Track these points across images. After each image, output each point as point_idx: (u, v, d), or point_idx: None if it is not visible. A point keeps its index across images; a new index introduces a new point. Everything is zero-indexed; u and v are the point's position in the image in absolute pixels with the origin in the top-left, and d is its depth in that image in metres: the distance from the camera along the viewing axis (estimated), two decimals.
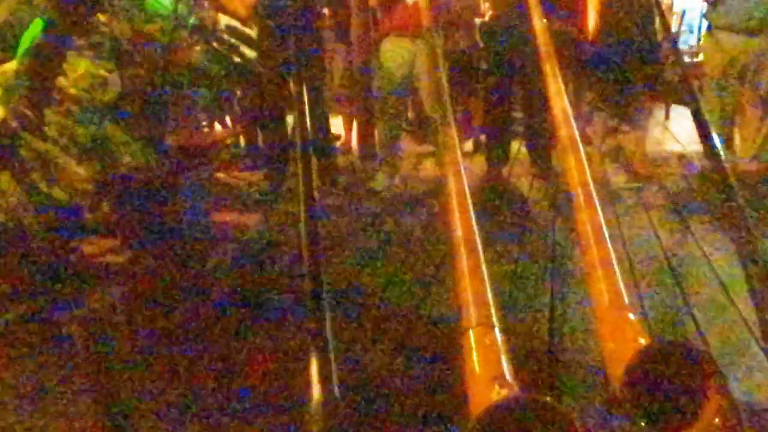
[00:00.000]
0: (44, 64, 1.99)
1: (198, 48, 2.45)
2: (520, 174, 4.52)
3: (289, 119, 4.50)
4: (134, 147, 2.05)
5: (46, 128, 1.96)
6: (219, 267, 2.92)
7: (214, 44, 2.43)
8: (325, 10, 4.78)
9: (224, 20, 2.59)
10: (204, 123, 4.49)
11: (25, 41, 2.03)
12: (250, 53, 2.70)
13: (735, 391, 0.74)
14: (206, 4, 2.55)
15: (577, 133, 1.59)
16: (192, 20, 2.45)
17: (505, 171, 4.51)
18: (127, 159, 2.13)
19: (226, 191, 4.11)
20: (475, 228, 1.12)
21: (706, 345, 2.19)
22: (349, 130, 5.40)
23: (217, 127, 4.83)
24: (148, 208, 2.45)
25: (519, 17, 3.63)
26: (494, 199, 3.97)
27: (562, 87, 1.89)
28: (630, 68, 4.12)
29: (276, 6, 3.84)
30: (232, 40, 2.49)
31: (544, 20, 2.54)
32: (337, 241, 3.32)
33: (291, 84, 3.88)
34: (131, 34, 2.17)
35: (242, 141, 5.23)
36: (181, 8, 2.41)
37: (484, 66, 4.42)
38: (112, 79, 2.09)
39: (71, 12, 2.06)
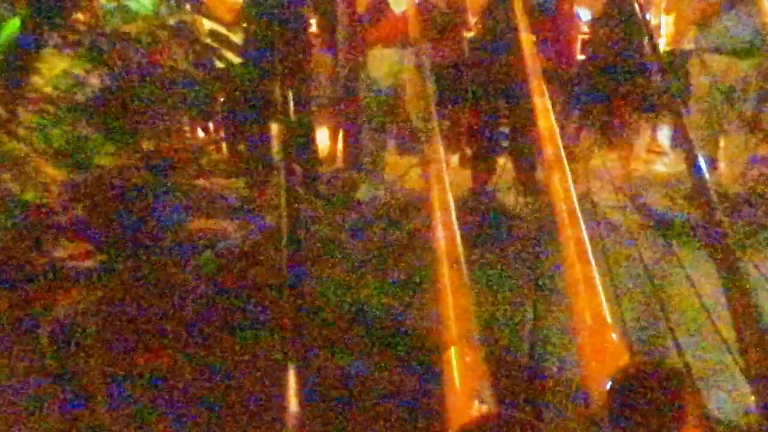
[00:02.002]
0: (18, 62, 1.98)
1: (179, 50, 2.45)
2: (505, 188, 4.54)
3: (273, 127, 4.52)
4: (110, 148, 2.04)
5: (18, 128, 1.94)
6: (195, 275, 2.90)
7: (196, 47, 2.43)
8: (312, 18, 4.79)
9: (207, 24, 2.59)
10: (185, 127, 4.48)
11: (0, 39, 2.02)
12: (233, 58, 2.70)
13: (713, 411, 0.75)
14: (189, 6, 2.54)
15: (562, 150, 1.62)
16: (172, 21, 2.44)
17: (490, 185, 4.53)
18: (102, 161, 2.12)
19: (205, 198, 4.09)
20: (459, 242, 1.13)
21: (686, 365, 2.21)
22: (334, 139, 5.41)
23: (199, 132, 4.83)
24: (123, 211, 2.43)
25: (506, 32, 3.70)
26: (478, 214, 3.99)
27: (549, 104, 1.92)
28: (617, 87, 4.18)
29: (262, 12, 3.86)
30: (215, 44, 2.49)
31: (532, 36, 2.58)
32: (319, 251, 3.32)
33: (275, 91, 3.90)
34: (110, 33, 2.16)
35: (224, 147, 5.22)
36: (163, 9, 2.40)
37: (471, 80, 4.45)
38: (89, 79, 2.08)
39: (48, 9, 2.05)
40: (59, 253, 2.48)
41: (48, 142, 2.00)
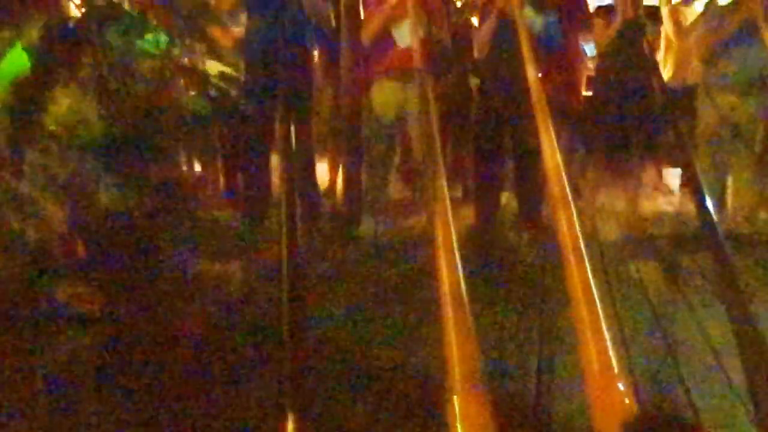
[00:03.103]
0: (27, 101, 2.00)
1: (187, 88, 2.48)
2: (509, 225, 4.54)
3: (273, 159, 4.54)
4: (114, 186, 2.06)
5: (23, 166, 1.96)
6: (196, 321, 2.90)
7: (205, 87, 2.47)
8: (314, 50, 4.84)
9: (214, 64, 2.65)
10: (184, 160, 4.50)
11: (5, 74, 2.04)
12: (238, 95, 2.75)
13: None
14: (198, 47, 2.59)
15: (568, 189, 1.62)
16: (182, 61, 2.49)
17: (494, 222, 4.53)
18: (105, 200, 2.13)
19: (206, 234, 4.09)
20: (463, 284, 1.13)
21: (696, 413, 2.19)
22: (334, 172, 5.43)
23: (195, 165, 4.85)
24: (126, 252, 2.44)
25: (512, 66, 3.73)
26: (482, 251, 3.98)
27: (555, 142, 1.93)
28: (623, 124, 4.21)
29: (264, 44, 3.90)
30: (221, 83, 2.53)
31: (538, 71, 2.61)
32: (319, 290, 3.31)
33: (277, 124, 3.93)
34: (120, 71, 2.19)
35: (222, 180, 5.25)
36: (175, 50, 2.45)
37: (476, 113, 4.49)
38: (95, 117, 2.11)
39: (59, 49, 2.09)
40: (60, 295, 2.48)
41: (52, 179, 2.02)
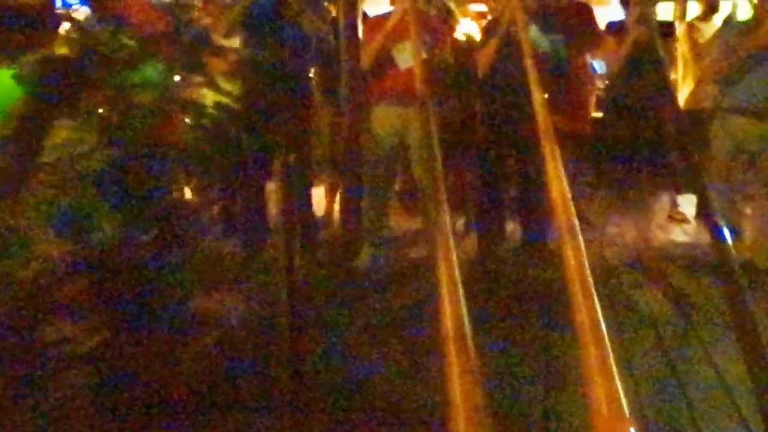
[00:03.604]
0: (24, 134, 2.03)
1: (187, 122, 2.52)
2: (514, 256, 4.55)
3: (270, 186, 4.57)
4: (115, 219, 2.08)
5: (22, 202, 1.98)
6: (197, 357, 2.91)
7: (203, 120, 2.51)
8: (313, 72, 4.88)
9: (212, 96, 2.69)
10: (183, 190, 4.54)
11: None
12: (231, 123, 2.78)
13: None
14: (195, 78, 2.63)
15: (575, 219, 1.63)
16: (181, 94, 2.52)
17: (498, 252, 4.54)
18: (100, 235, 2.14)
19: (206, 265, 4.11)
20: (466, 320, 1.14)
21: None
22: (331, 200, 5.45)
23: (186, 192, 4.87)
24: (126, 287, 2.45)
25: (517, 88, 3.76)
26: (486, 284, 3.99)
27: (561, 169, 1.94)
28: (635, 148, 4.21)
29: (261, 67, 3.94)
30: (220, 115, 2.57)
31: (543, 93, 2.63)
32: (318, 323, 3.31)
33: (274, 150, 3.96)
34: (119, 103, 2.22)
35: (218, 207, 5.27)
36: (172, 82, 2.48)
37: (479, 138, 4.51)
38: (96, 150, 2.14)
39: (57, 83, 2.12)
40: (59, 332, 2.49)
41: (51, 214, 2.04)
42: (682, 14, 6.06)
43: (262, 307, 3.58)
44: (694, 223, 5.59)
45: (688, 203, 5.80)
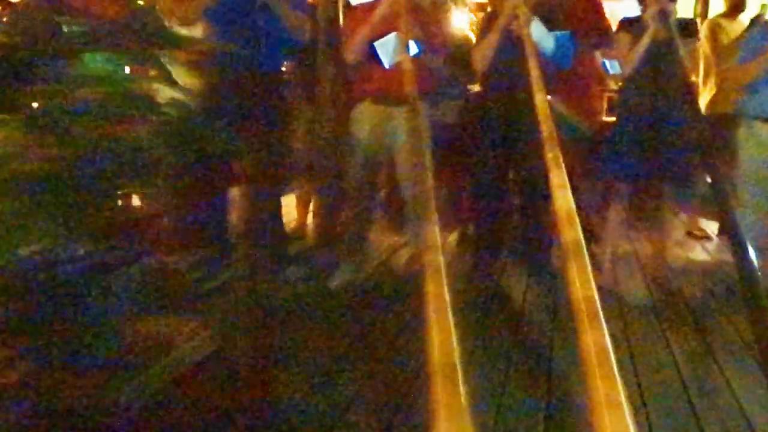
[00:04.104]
0: None
1: (137, 121, 2.52)
2: (514, 277, 4.57)
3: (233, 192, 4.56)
4: (48, 229, 2.06)
5: None
6: (138, 395, 2.89)
7: (156, 117, 2.51)
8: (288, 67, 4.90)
9: (169, 92, 2.68)
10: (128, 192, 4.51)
11: None
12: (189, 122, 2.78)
13: None
14: (152, 72, 2.63)
15: (581, 235, 1.65)
16: (132, 88, 2.52)
17: (496, 270, 4.57)
18: (30, 249, 2.13)
19: (155, 284, 4.09)
20: (456, 351, 1.15)
21: None
22: (304, 209, 5.45)
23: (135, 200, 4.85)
24: (57, 311, 2.43)
25: (517, 87, 3.80)
26: (481, 309, 4.00)
27: (566, 178, 1.96)
28: (651, 156, 4.23)
29: (225, 57, 3.95)
30: (177, 113, 2.57)
31: (547, 96, 2.67)
32: (286, 352, 3.31)
33: (240, 150, 3.96)
34: (60, 99, 2.22)
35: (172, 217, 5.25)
36: (120, 75, 2.48)
37: (474, 143, 4.53)
38: (31, 150, 2.13)
39: None
40: None
41: None
42: (704, 11, 6.14)
43: (221, 333, 3.57)
44: (716, 240, 5.65)
45: (709, 219, 5.87)
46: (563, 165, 1.91)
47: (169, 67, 2.51)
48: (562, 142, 2.21)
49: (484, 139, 4.40)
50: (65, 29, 2.39)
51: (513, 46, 3.85)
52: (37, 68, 2.26)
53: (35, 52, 2.24)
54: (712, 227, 5.87)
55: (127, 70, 2.67)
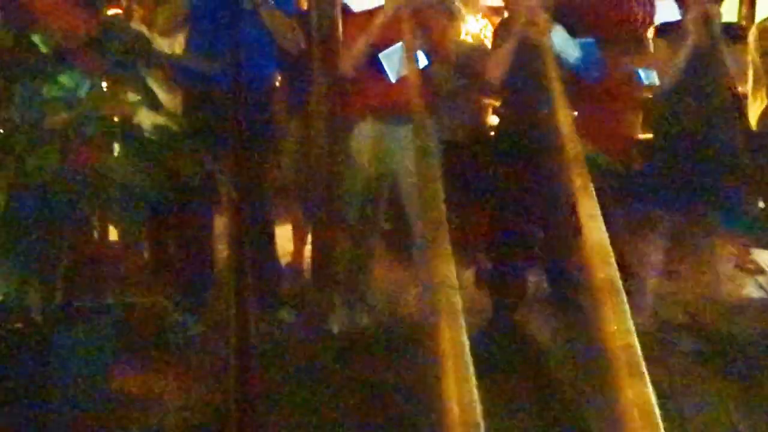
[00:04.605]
0: None
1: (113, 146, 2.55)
2: (539, 318, 4.57)
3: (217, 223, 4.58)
4: (8, 274, 2.09)
5: None
6: None
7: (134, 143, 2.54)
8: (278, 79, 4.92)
9: (149, 116, 2.71)
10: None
11: None
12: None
13: None
14: (129, 94, 2.66)
15: (616, 272, 1.66)
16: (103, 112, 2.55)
17: (517, 312, 4.57)
18: None
19: (127, 328, 4.09)
20: (479, 409, 1.15)
21: None
22: (300, 242, 5.46)
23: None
24: (18, 363, 2.45)
25: (539, 102, 3.81)
26: (502, 353, 3.99)
27: (597, 207, 1.97)
28: (696, 181, 4.23)
29: (208, 70, 3.97)
30: (156, 138, 2.60)
31: (571, 113, 2.68)
32: (281, 406, 3.31)
33: (221, 175, 3.98)
34: (27, 122, 2.24)
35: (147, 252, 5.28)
36: (86, 96, 2.50)
37: (492, 167, 4.55)
38: None
39: None
40: None
41: None
42: (750, 14, 6.17)
43: (205, 384, 3.57)
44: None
45: (763, 250, 5.86)
46: (592, 191, 1.92)
47: (148, 86, 2.54)
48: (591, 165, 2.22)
49: (501, 161, 4.41)
50: (41, 48, 2.42)
51: (532, 55, 3.86)
52: (4, 88, 2.29)
53: (4, 75, 2.27)
54: (766, 259, 5.86)
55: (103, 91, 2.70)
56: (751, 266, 5.85)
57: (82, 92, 2.48)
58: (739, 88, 4.98)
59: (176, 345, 4.04)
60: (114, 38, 2.66)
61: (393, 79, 3.96)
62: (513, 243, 4.47)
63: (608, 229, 1.84)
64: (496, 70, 4.29)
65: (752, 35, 5.65)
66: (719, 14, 4.19)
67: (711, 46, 4.00)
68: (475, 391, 1.24)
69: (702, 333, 4.39)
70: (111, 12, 4.05)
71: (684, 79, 4.13)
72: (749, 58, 5.51)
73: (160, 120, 2.64)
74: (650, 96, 5.45)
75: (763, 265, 5.84)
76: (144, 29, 4.17)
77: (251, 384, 2.73)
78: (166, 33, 4.28)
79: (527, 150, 4.23)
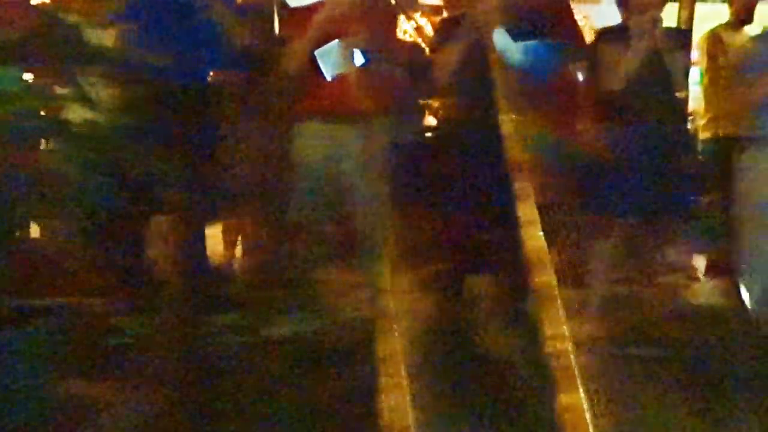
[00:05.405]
0: None
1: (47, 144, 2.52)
2: (484, 323, 4.60)
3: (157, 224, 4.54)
4: None
5: None
6: None
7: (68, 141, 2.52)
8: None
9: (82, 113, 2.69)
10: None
11: None
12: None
13: None
14: (65, 91, 2.64)
15: (552, 277, 1.69)
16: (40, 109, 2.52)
17: (464, 318, 4.60)
18: None
19: (65, 337, 4.04)
20: (410, 415, 1.16)
21: None
22: (231, 243, 5.43)
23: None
24: None
25: (488, 100, 3.83)
26: (447, 358, 4.01)
27: (536, 213, 2.00)
28: (643, 183, 4.28)
29: (148, 67, 3.94)
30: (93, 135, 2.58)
31: (518, 115, 2.71)
32: (222, 412, 3.29)
33: (165, 176, 3.95)
34: None
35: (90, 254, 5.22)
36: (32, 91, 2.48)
37: (438, 169, 4.57)
38: None
39: None
40: None
41: None
42: (689, 18, 6.27)
43: (146, 388, 3.54)
44: (713, 281, 5.72)
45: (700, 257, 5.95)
46: (532, 197, 1.95)
47: (83, 82, 2.52)
48: (541, 167, 2.25)
49: (448, 163, 4.43)
50: None
51: (476, 57, 3.89)
52: None
53: None
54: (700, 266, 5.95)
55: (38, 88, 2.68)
56: (692, 273, 5.93)
57: (16, 87, 2.46)
58: (684, 95, 5.06)
59: (116, 348, 4.00)
60: (49, 31, 2.64)
61: (329, 77, 3.96)
62: (458, 246, 4.50)
63: (555, 234, 1.87)
64: (440, 71, 4.31)
65: (702, 42, 5.76)
66: (661, 19, 4.25)
67: (655, 52, 4.05)
68: (408, 396, 1.26)
69: (655, 340, 4.44)
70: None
71: (630, 85, 4.18)
72: (700, 66, 5.61)
73: (92, 115, 2.62)
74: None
75: (703, 273, 5.93)
76: (82, 21, 4.14)
77: (194, 388, 2.72)
78: (106, 25, 4.24)
79: (472, 152, 4.26)
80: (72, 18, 4.14)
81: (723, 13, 6.04)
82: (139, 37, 4.07)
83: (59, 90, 2.68)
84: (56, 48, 2.58)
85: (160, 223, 4.58)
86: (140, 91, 4.02)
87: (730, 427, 3.34)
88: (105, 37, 4.32)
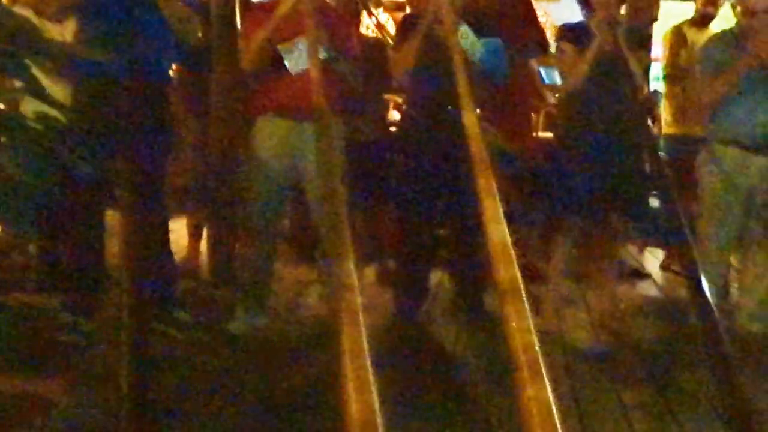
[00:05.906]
0: None
1: None
2: (443, 320, 4.62)
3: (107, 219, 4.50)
4: None
5: None
6: None
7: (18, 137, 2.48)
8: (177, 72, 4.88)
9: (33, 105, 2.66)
10: None
11: None
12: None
13: None
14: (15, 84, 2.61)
15: (518, 273, 1.70)
16: None
17: (421, 312, 4.63)
18: None
19: (13, 334, 3.99)
20: (377, 409, 1.17)
21: None
22: (197, 239, 5.41)
23: None
24: None
25: (446, 98, 3.85)
26: (405, 352, 4.02)
27: (500, 210, 2.01)
28: (599, 182, 4.32)
29: (100, 63, 3.90)
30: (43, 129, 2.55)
31: (477, 117, 2.73)
32: (174, 412, 3.28)
33: (116, 168, 3.92)
34: None
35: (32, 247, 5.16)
36: None
37: (397, 165, 4.59)
38: None
39: None
40: None
41: None
42: (652, 16, 6.35)
43: (96, 387, 3.51)
44: (668, 277, 5.81)
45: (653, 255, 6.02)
46: (497, 194, 1.96)
47: (35, 75, 2.48)
48: (495, 164, 2.26)
49: (407, 160, 4.45)
50: None
51: (438, 53, 3.90)
52: None
53: None
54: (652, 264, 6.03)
55: None
56: (644, 271, 6.01)
57: None
58: (644, 93, 5.11)
59: (66, 346, 3.96)
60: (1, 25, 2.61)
61: (294, 74, 3.96)
62: (417, 242, 4.52)
63: (514, 232, 1.88)
64: (401, 67, 4.33)
65: (665, 39, 5.83)
66: (622, 17, 4.28)
67: (616, 50, 4.08)
68: (375, 392, 1.27)
69: (604, 335, 4.50)
70: None
71: (589, 83, 4.21)
72: (661, 63, 5.68)
73: (45, 109, 2.59)
74: (551, 95, 5.58)
75: (650, 271, 6.02)
76: (31, 14, 4.10)
77: (145, 388, 2.70)
78: (56, 19, 4.19)
79: (433, 149, 4.29)
80: (24, 12, 4.11)
81: (688, 10, 6.12)
82: (90, 32, 4.03)
83: (11, 83, 2.64)
84: (9, 41, 2.54)
85: (112, 219, 4.55)
86: (92, 86, 3.98)
87: (686, 420, 3.40)
88: (57, 32, 4.29)
